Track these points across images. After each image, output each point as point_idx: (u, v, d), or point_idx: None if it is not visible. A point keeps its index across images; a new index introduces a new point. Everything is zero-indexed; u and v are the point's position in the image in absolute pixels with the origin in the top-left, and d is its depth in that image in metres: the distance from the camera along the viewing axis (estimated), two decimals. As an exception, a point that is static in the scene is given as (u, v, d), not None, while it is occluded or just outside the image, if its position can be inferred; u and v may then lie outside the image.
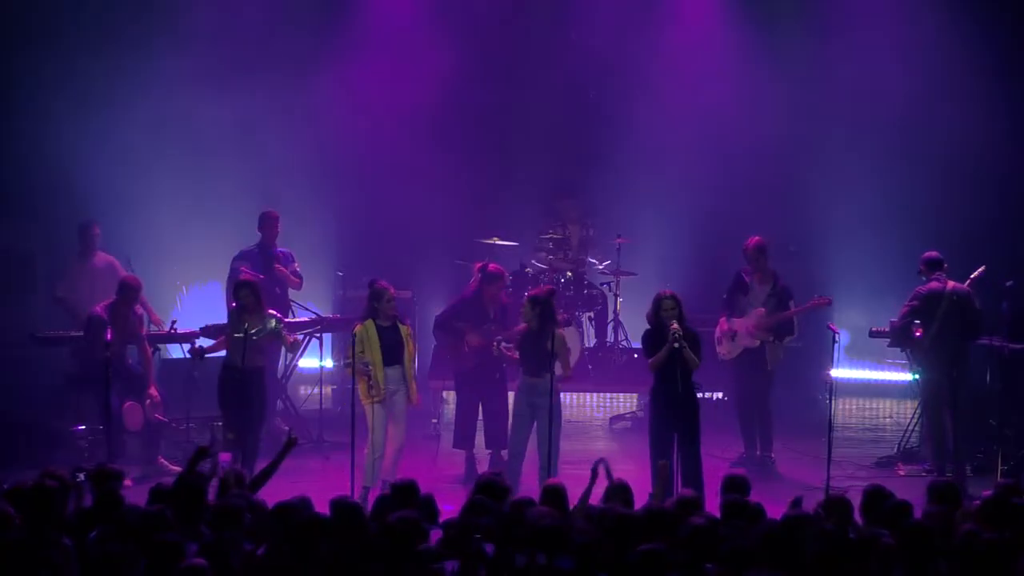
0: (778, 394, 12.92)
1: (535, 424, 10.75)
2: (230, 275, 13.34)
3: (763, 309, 12.27)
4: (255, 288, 11.23)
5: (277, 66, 15.26)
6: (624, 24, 15.71)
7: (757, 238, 12.43)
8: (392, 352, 10.82)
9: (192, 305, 14.90)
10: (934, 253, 11.76)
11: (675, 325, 10.20)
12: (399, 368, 10.86)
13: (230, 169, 15.07)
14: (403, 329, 10.95)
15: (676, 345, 10.15)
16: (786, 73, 15.37)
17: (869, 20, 15.26)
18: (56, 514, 7.23)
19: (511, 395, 12.17)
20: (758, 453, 12.42)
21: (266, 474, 8.55)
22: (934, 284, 11.57)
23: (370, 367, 10.66)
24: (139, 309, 12.26)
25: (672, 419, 10.29)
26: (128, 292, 12.11)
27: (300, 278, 13.50)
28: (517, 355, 10.98)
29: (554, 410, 10.68)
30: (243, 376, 10.97)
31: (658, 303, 10.38)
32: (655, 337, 10.39)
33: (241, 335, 10.90)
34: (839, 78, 15.39)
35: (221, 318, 13.12)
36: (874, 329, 12.86)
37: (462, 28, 15.66)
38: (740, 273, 12.53)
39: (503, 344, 11.23)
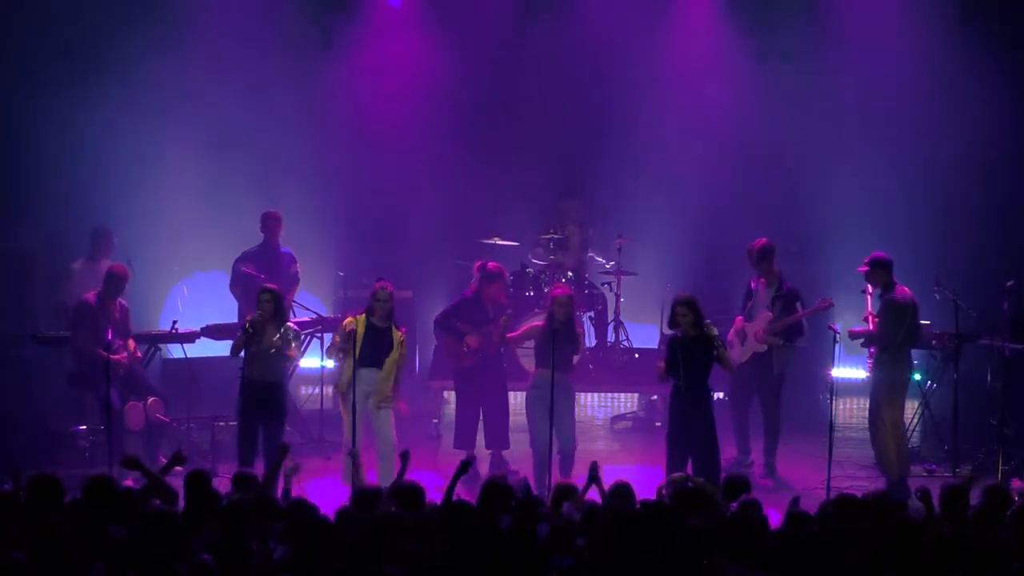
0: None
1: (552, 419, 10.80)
2: (232, 277, 13.35)
3: (771, 313, 12.19)
4: (277, 297, 10.86)
5: (280, 67, 15.26)
6: (625, 24, 15.70)
7: (761, 240, 12.29)
8: (375, 353, 10.67)
9: (193, 305, 14.88)
10: (887, 255, 11.50)
11: (714, 331, 10.39)
12: (376, 371, 10.70)
13: (232, 170, 15.04)
14: (396, 334, 10.80)
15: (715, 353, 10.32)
16: (787, 73, 15.37)
17: (870, 20, 15.26)
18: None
19: (511, 395, 12.23)
20: (753, 458, 12.35)
21: (272, 474, 8.57)
22: (904, 291, 11.46)
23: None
24: (123, 302, 12.16)
25: (683, 426, 10.30)
26: (112, 281, 12.01)
27: (297, 280, 13.53)
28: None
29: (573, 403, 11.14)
30: (263, 390, 10.69)
31: (672, 309, 10.44)
32: (669, 342, 10.53)
33: (260, 349, 10.62)
34: (840, 78, 15.38)
35: (222, 318, 13.17)
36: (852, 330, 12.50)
37: (463, 28, 15.67)
38: (749, 280, 12.49)
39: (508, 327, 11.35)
